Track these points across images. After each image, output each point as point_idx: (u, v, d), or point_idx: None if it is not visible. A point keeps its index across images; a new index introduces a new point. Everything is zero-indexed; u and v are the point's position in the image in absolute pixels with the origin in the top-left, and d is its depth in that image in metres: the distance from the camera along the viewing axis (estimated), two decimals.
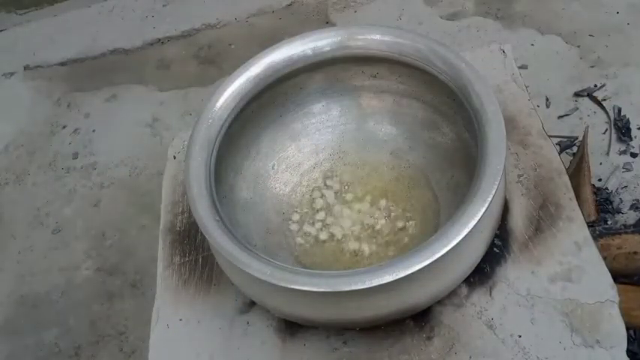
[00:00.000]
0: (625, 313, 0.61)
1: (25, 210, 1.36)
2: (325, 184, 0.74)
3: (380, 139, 0.75)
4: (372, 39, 0.68)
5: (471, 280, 0.63)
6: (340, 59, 0.70)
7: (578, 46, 1.31)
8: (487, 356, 0.60)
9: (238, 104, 0.67)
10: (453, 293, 0.62)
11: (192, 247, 0.73)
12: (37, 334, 1.16)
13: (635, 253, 0.84)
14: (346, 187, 0.74)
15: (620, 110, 1.17)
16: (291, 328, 0.64)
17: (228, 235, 0.57)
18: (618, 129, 1.15)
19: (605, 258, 0.65)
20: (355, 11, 1.49)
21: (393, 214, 0.70)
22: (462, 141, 0.67)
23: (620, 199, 1.05)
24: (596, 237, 0.74)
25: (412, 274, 0.51)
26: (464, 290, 0.64)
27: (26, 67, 1.64)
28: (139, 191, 1.32)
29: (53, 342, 1.15)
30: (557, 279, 0.63)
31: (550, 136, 0.72)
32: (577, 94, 1.23)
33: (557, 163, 0.70)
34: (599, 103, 1.20)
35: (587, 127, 1.09)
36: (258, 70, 0.68)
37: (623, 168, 1.10)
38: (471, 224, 0.52)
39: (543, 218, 0.66)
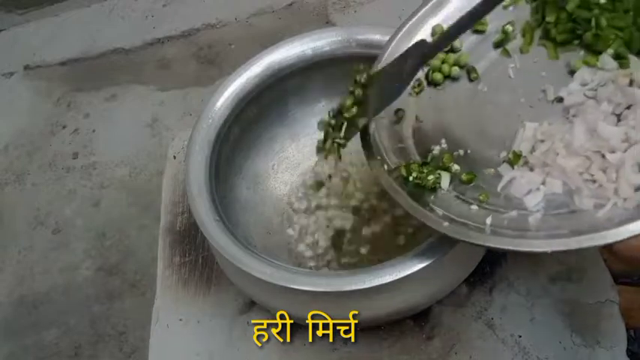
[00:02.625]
0: (625, 313, 0.62)
1: (25, 210, 1.35)
2: (325, 185, 0.74)
3: None
4: (372, 39, 0.68)
5: (471, 280, 0.63)
6: (340, 59, 0.70)
7: None
8: (487, 356, 0.60)
9: (238, 104, 0.67)
10: (453, 293, 0.62)
11: (192, 247, 0.73)
12: (37, 334, 1.16)
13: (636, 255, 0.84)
14: (346, 187, 0.74)
15: None
16: (291, 328, 0.64)
17: (228, 235, 0.57)
18: None
19: (605, 261, 0.65)
20: (355, 11, 1.49)
21: (393, 213, 0.70)
22: None
23: None
24: None
25: (412, 274, 0.51)
26: (464, 290, 0.64)
27: (26, 67, 1.64)
28: (139, 191, 1.32)
29: (53, 342, 1.15)
30: (557, 279, 0.63)
31: None
32: None
33: None
34: None
35: None
36: (258, 70, 0.68)
37: None
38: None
39: None
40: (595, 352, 0.59)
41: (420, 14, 0.61)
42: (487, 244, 0.45)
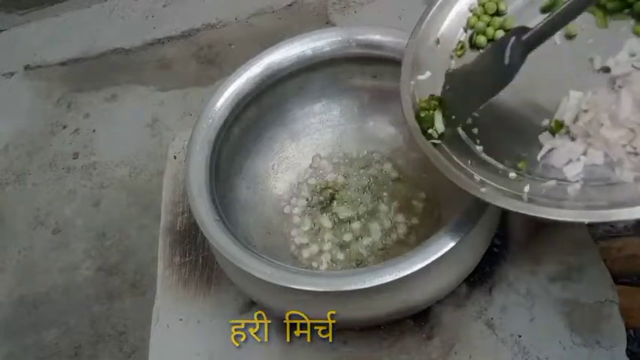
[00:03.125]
0: (625, 313, 0.61)
1: (25, 210, 1.35)
2: (325, 184, 0.74)
3: (380, 139, 0.75)
4: (372, 39, 0.68)
5: (471, 280, 0.63)
6: (340, 59, 0.70)
7: None
8: (487, 356, 0.60)
9: (238, 104, 0.67)
10: (453, 293, 0.62)
11: (192, 247, 0.73)
12: (37, 334, 1.16)
13: (635, 255, 0.84)
14: (346, 188, 0.74)
15: None
16: (291, 328, 0.64)
17: (228, 235, 0.57)
18: None
19: (605, 260, 0.65)
20: (355, 11, 1.49)
21: (393, 213, 0.70)
22: None
23: None
24: (596, 239, 0.74)
25: (412, 274, 0.51)
26: (464, 290, 0.64)
27: (26, 67, 1.64)
28: (139, 191, 1.31)
29: (53, 342, 1.15)
30: (557, 279, 0.63)
31: None
32: None
33: None
34: None
35: None
36: (258, 70, 0.68)
37: None
38: (471, 224, 0.52)
39: None
40: (595, 352, 0.59)
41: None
42: (523, 212, 0.44)
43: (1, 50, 1.72)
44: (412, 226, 0.69)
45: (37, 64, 1.64)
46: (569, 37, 0.56)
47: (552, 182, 0.47)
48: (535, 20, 0.57)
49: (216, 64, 1.51)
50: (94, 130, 1.46)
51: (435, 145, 0.52)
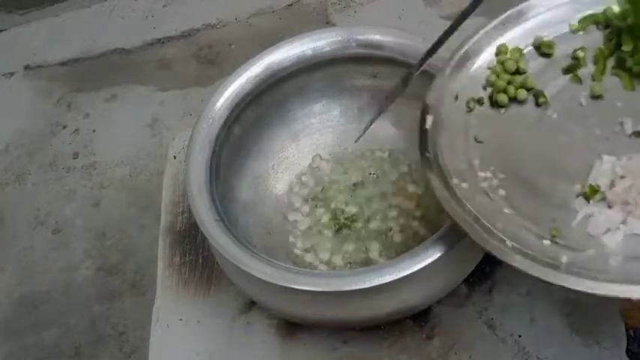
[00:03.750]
0: (625, 313, 0.61)
1: (25, 210, 1.35)
2: (325, 185, 0.74)
3: (380, 140, 0.75)
4: (372, 39, 0.68)
5: (471, 280, 0.63)
6: (340, 59, 0.70)
7: None
8: (487, 356, 0.60)
9: (238, 104, 0.68)
10: (453, 293, 0.62)
11: (192, 247, 0.73)
12: (37, 334, 1.16)
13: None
14: (346, 188, 0.74)
15: None
16: (291, 328, 0.64)
17: (228, 235, 0.57)
18: None
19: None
20: (355, 11, 1.49)
21: (393, 214, 0.70)
22: None
23: None
24: None
25: (412, 274, 0.51)
26: (464, 290, 0.64)
27: (26, 67, 1.64)
28: (139, 191, 1.32)
29: (53, 342, 1.15)
30: None
31: None
32: None
33: None
34: None
35: None
36: (258, 70, 0.69)
37: None
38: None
39: None
40: (595, 352, 0.59)
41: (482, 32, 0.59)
42: (562, 284, 0.42)
43: (1, 50, 1.72)
44: (412, 227, 0.69)
45: (37, 64, 1.64)
46: (595, 97, 0.54)
47: (591, 252, 0.44)
48: (558, 80, 0.56)
49: (216, 64, 1.51)
50: (94, 130, 1.46)
51: (461, 206, 0.49)
